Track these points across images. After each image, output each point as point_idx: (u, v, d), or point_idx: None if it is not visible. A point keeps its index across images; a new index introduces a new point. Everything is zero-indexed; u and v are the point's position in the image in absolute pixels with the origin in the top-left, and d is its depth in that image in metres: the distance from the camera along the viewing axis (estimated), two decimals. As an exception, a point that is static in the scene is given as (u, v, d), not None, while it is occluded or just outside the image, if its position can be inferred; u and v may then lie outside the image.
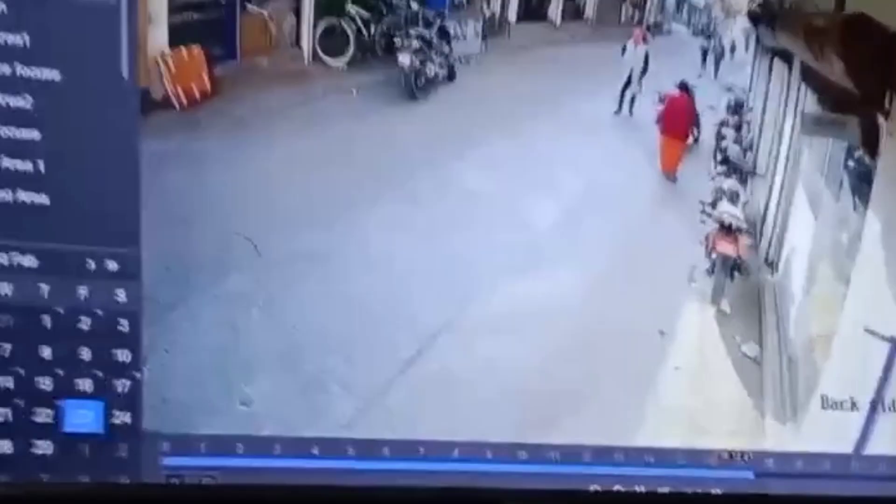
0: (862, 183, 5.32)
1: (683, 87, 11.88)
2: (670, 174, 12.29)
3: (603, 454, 4.05)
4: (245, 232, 7.95)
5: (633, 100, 13.61)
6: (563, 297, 9.19)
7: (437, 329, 7.80)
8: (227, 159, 9.25)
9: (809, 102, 8.16)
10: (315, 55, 11.18)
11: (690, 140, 12.23)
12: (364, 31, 11.89)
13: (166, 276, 6.58)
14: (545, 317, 8.67)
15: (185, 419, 4.02)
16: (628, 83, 12.85)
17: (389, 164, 10.45)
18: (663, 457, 4.40)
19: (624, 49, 12.34)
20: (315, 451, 3.00)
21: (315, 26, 11.26)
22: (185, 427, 3.26)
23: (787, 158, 9.44)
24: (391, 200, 10.05)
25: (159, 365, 5.24)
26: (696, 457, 4.66)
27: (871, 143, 4.96)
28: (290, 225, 8.70)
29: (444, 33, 12.07)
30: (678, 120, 12.35)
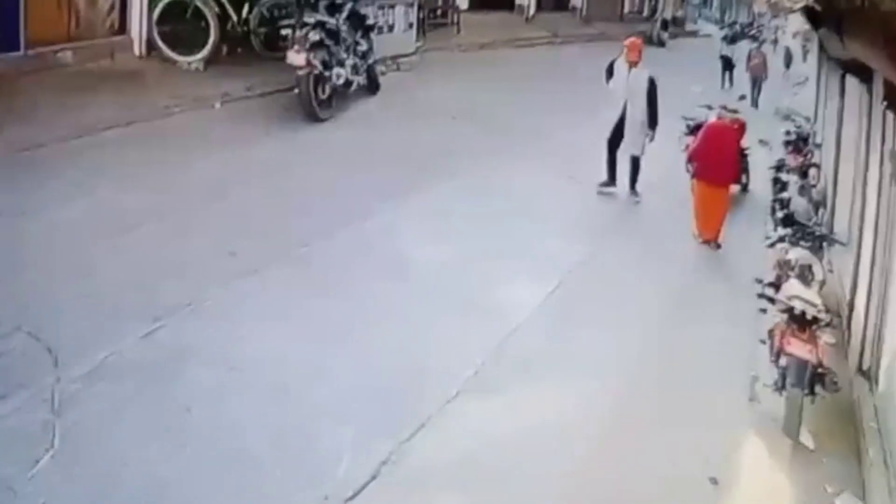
0: None
1: (727, 111, 12.45)
2: (711, 238, 12.74)
3: None
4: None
5: (635, 165, 14.06)
6: (560, 437, 9.25)
7: (368, 477, 7.66)
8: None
9: (903, 138, 8.24)
10: (152, 47, 11.51)
11: (736, 188, 12.70)
12: (232, 14, 12.32)
13: None
14: (536, 468, 8.64)
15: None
16: (619, 130, 13.32)
17: (273, 222, 10.55)
18: None
19: (611, 71, 12.98)
20: None
21: (153, 4, 11.58)
22: None
23: (878, 217, 9.75)
24: (281, 281, 9.94)
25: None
26: None
27: None
28: (105, 324, 8.44)
29: (359, 22, 12.53)
30: (722, 157, 12.92)
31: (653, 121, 16.01)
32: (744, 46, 33.62)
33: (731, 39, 34.29)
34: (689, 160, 15.10)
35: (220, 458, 6.86)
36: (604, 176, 15.80)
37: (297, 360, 8.45)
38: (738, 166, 15.20)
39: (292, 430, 7.41)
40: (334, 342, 8.91)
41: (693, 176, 14.70)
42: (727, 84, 31.21)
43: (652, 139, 16.10)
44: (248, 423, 7.34)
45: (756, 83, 30.82)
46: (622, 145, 16.17)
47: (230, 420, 7.34)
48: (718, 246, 14.14)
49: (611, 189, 16.23)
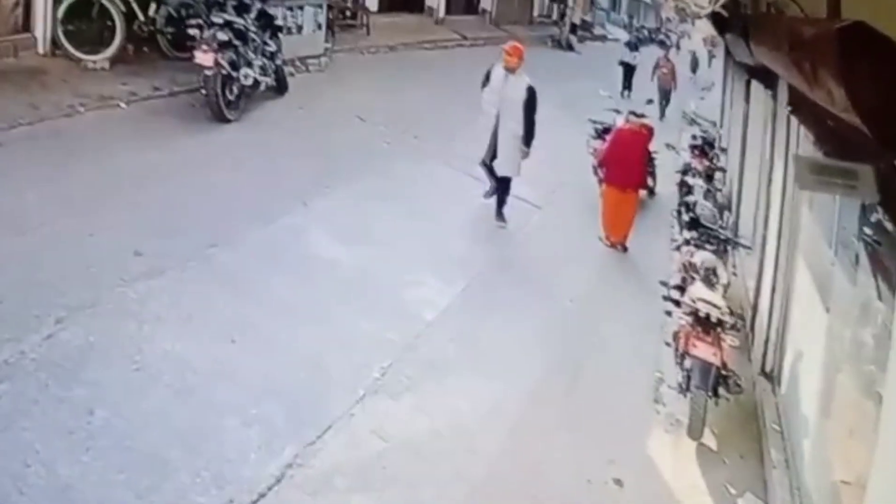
0: (886, 257, 5.48)
1: (637, 115, 12.64)
2: (618, 242, 12.92)
3: None
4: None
5: (505, 187, 14.08)
6: (468, 439, 9.30)
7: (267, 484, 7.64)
8: None
9: (804, 144, 8.48)
10: (57, 46, 11.35)
11: (643, 193, 12.84)
12: (139, 14, 12.19)
13: None
14: (444, 470, 8.66)
15: None
16: (494, 148, 13.04)
17: (180, 222, 10.47)
18: None
19: (487, 78, 12.98)
20: None
21: (57, 2, 11.40)
22: None
23: (781, 222, 9.89)
24: (187, 281, 9.85)
25: None
26: None
27: (892, 199, 5.02)
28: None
29: (268, 23, 12.49)
30: (630, 162, 13.13)
31: (529, 135, 14.61)
32: (650, 52, 33.64)
33: (633, 46, 33.50)
34: (599, 165, 15.28)
35: (123, 461, 6.78)
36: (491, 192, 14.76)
37: (203, 360, 8.37)
38: (645, 171, 15.41)
39: (197, 431, 7.36)
40: (241, 342, 8.87)
41: (602, 181, 14.87)
42: (626, 92, 30.36)
43: (526, 156, 14.74)
44: (152, 425, 7.26)
45: (664, 94, 30.19)
46: (495, 163, 14.84)
47: (134, 421, 7.24)
48: (625, 249, 14.42)
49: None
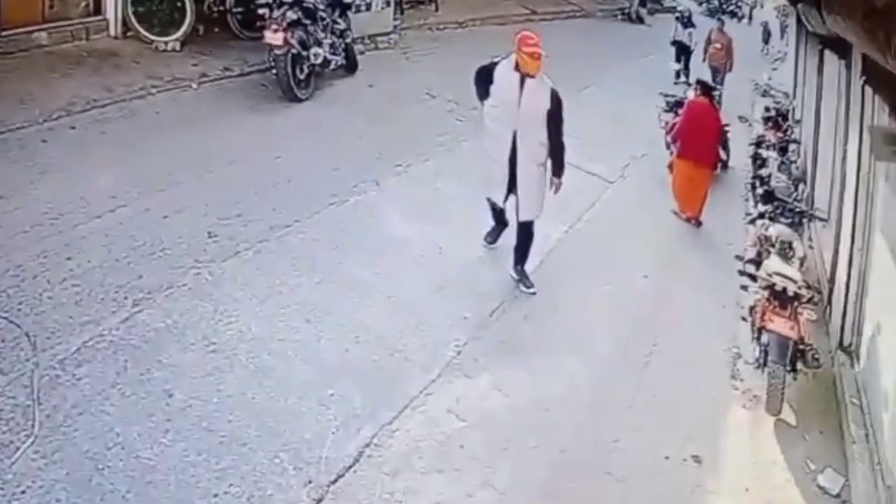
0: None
1: (705, 87, 12.35)
2: (693, 216, 12.65)
3: None
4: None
5: (526, 234, 13.32)
6: (544, 416, 9.21)
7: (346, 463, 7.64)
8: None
9: (880, 114, 8.28)
10: (128, 28, 11.32)
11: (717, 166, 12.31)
12: (208, -6, 11.37)
13: None
14: (521, 448, 8.62)
15: None
16: (511, 182, 11.81)
17: (254, 202, 10.41)
18: None
19: (485, 80, 12.26)
20: None
21: (128, -16, 10.81)
22: None
23: (857, 194, 9.67)
24: (262, 262, 9.80)
25: None
26: None
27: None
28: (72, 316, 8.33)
29: (337, 1, 12.35)
30: (704, 135, 12.83)
31: (559, 161, 10.46)
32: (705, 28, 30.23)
33: (687, 20, 26.70)
34: (672, 140, 15.08)
35: (202, 442, 6.85)
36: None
37: (280, 341, 8.41)
38: (718, 143, 15.17)
39: (275, 412, 7.39)
40: (317, 322, 8.89)
41: (677, 155, 14.68)
42: (682, 77, 23.88)
43: (558, 190, 10.61)
44: (230, 406, 7.32)
45: (717, 76, 23.77)
46: (517, 202, 10.63)
47: (212, 403, 7.31)
48: (699, 223, 14.22)
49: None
